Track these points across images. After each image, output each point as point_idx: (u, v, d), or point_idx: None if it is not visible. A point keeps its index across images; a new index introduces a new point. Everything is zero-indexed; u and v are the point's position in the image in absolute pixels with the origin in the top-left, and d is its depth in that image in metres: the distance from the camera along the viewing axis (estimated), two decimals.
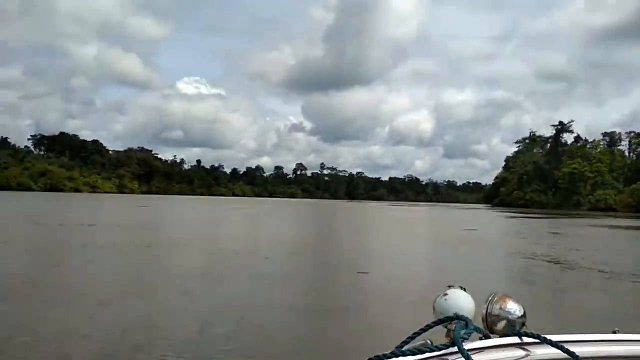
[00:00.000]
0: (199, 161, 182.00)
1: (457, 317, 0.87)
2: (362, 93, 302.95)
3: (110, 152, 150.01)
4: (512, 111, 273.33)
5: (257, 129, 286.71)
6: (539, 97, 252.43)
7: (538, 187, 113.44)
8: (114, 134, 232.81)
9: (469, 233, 27.59)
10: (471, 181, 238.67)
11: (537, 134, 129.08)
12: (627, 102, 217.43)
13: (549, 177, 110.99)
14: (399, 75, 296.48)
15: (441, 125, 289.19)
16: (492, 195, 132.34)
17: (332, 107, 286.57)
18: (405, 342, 0.83)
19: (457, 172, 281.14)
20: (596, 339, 0.84)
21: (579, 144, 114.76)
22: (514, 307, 0.91)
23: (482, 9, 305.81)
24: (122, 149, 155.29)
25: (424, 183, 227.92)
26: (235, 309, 8.13)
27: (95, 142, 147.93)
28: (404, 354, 0.76)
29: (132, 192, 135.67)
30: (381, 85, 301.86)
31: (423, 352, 0.77)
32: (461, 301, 0.92)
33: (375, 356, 0.73)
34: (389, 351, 0.77)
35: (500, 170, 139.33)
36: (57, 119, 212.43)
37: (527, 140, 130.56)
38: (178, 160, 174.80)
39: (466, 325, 0.84)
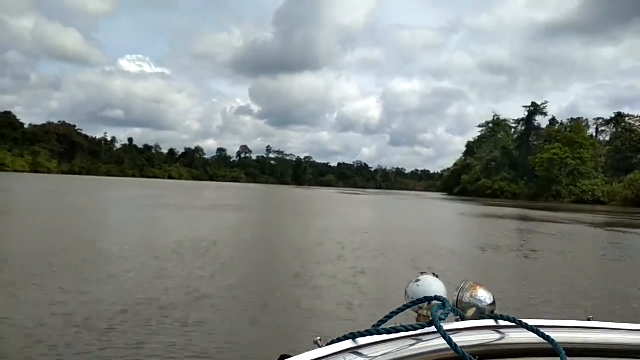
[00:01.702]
0: (130, 140, 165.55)
1: (435, 298, 0.87)
2: (311, 78, 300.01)
3: (25, 126, 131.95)
4: (457, 101, 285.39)
5: (203, 110, 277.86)
6: (482, 88, 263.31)
7: (508, 175, 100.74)
8: (48, 112, 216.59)
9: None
10: (419, 169, 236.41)
11: (502, 117, 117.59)
12: (565, 95, 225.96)
13: (521, 165, 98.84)
14: (348, 62, 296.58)
15: (389, 113, 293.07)
16: (452, 184, 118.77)
17: (281, 91, 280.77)
18: (382, 322, 0.83)
19: (403, 159, 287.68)
20: (571, 325, 0.85)
21: (556, 127, 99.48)
22: (484, 295, 0.92)
23: (430, 1, 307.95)
24: (39, 123, 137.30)
25: (373, 170, 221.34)
26: None
27: (7, 114, 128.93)
28: (379, 332, 0.76)
29: (49, 171, 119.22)
30: (330, 72, 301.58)
31: (399, 332, 0.77)
32: (433, 287, 0.93)
33: (350, 333, 0.73)
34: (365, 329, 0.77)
35: (459, 157, 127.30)
36: None
37: (490, 125, 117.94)
38: (109, 139, 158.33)
39: (443, 306, 0.85)
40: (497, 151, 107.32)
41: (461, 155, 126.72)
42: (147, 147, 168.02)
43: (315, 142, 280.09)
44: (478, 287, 0.93)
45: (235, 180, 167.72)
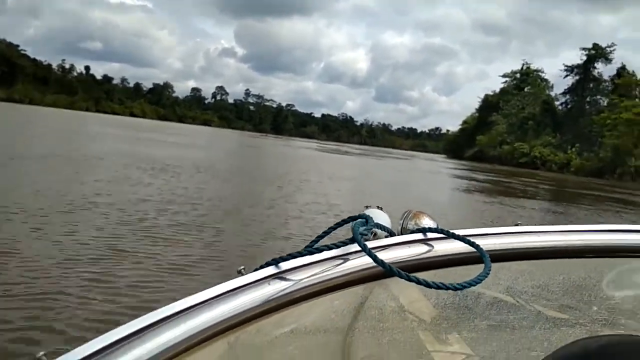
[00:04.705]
0: (87, 67, 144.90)
1: (359, 217, 0.86)
2: (300, 24, 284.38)
3: None
4: (447, 60, 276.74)
5: (185, 50, 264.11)
6: (474, 48, 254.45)
7: (552, 140, 73.10)
8: (23, 39, 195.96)
9: None
10: (406, 126, 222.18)
11: (532, 67, 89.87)
12: (556, 62, 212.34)
13: (571, 126, 73.70)
14: (341, 9, 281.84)
15: (377, 66, 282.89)
16: (460, 146, 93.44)
17: (268, 34, 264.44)
18: (309, 246, 0.81)
19: (387, 116, 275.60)
20: (499, 232, 0.86)
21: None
22: (428, 223, 0.92)
23: None
24: None
25: (358, 124, 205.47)
26: None
27: None
28: (302, 254, 0.74)
29: None
30: (321, 18, 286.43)
31: (321, 251, 0.76)
32: (378, 219, 0.92)
33: (272, 259, 0.73)
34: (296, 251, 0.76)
35: (472, 113, 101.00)
36: None
37: (518, 75, 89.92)
38: (67, 66, 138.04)
39: (367, 223, 0.83)
40: (536, 106, 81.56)
41: (474, 111, 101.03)
42: (107, 79, 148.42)
43: (299, 92, 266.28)
44: (421, 215, 0.92)
45: (206, 123, 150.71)
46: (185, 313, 0.60)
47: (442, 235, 0.84)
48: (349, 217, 0.87)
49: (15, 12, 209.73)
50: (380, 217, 0.93)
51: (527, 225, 0.89)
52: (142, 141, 30.62)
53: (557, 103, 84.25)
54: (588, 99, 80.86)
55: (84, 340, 0.53)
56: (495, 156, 78.84)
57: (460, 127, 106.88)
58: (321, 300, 0.76)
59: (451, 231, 0.84)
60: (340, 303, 0.86)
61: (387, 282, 0.85)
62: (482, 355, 1.03)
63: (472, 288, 0.90)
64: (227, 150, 37.63)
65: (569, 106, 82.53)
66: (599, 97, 79.71)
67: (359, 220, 0.85)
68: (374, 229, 0.87)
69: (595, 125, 68.09)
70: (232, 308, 0.64)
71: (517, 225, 0.90)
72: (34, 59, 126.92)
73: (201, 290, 0.64)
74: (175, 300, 0.60)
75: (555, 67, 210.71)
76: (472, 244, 0.81)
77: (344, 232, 0.81)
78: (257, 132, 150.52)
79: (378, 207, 0.96)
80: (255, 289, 0.67)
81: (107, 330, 0.56)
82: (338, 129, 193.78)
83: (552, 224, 0.92)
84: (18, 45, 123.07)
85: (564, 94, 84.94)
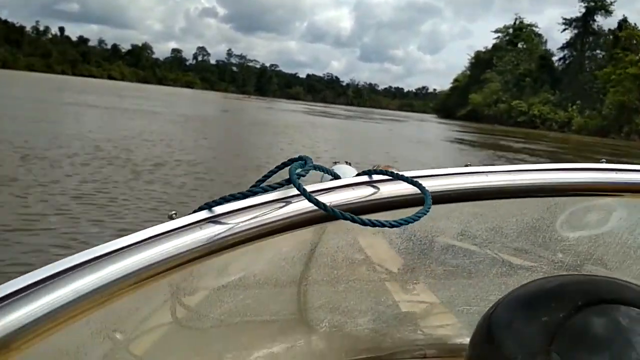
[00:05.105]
0: (62, 29, 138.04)
1: (299, 159, 0.82)
2: None
3: None
4: (431, 18, 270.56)
5: (165, 10, 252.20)
6: (458, 5, 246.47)
7: (550, 97, 68.67)
8: None
9: None
10: (392, 86, 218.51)
11: (525, 21, 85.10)
12: (539, 19, 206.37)
13: (571, 83, 69.51)
14: None
15: (361, 25, 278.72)
16: (452, 105, 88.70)
17: None
18: (254, 186, 0.77)
19: (372, 76, 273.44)
20: (448, 172, 0.84)
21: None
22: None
23: None
24: None
25: (344, 84, 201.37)
26: None
27: None
28: (236, 198, 0.71)
29: None
30: None
31: (256, 194, 0.72)
32: (345, 174, 0.90)
33: (205, 203, 0.69)
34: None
35: (462, 70, 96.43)
36: None
37: (510, 30, 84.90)
38: (41, 28, 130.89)
39: (305, 164, 0.80)
40: (532, 62, 76.38)
41: (464, 68, 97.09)
42: (83, 40, 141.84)
43: (282, 52, 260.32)
44: (389, 169, 0.88)
45: (189, 85, 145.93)
46: (112, 255, 0.58)
47: (388, 177, 0.80)
48: (289, 160, 0.82)
49: None
50: (348, 171, 0.87)
51: (477, 166, 0.87)
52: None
53: (554, 59, 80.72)
54: (588, 54, 77.01)
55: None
56: (491, 115, 75.63)
57: (451, 85, 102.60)
58: (267, 247, 0.73)
59: (397, 172, 0.81)
60: (289, 250, 0.84)
61: (336, 228, 0.83)
62: (441, 300, 1.03)
63: (426, 232, 0.91)
64: (194, 118, 30.39)
65: (567, 62, 78.69)
66: (598, 52, 76.18)
67: (298, 162, 0.81)
68: (322, 174, 0.85)
69: (597, 81, 64.98)
70: (162, 251, 0.62)
71: (466, 166, 0.87)
72: (5, 21, 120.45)
73: (128, 234, 0.61)
74: (105, 242, 0.58)
75: (541, 23, 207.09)
76: (417, 185, 0.78)
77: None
78: (241, 93, 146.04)
79: (346, 163, 0.91)
80: (186, 233, 0.64)
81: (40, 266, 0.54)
82: (323, 90, 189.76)
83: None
84: None
85: (561, 48, 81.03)
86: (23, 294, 0.52)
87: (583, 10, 78.21)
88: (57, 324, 0.53)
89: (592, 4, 77.03)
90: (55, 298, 0.53)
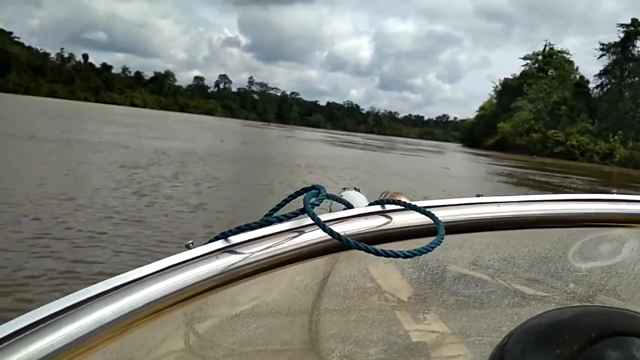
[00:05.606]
0: (85, 56, 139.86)
1: (313, 187, 0.83)
2: (303, 11, 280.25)
3: None
4: (450, 47, 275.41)
5: (189, 39, 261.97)
6: (477, 35, 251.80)
7: (589, 127, 64.83)
8: (29, 30, 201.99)
9: None
10: (413, 114, 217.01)
11: (556, 48, 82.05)
12: (562, 47, 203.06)
13: (609, 112, 65.83)
14: None
15: (380, 54, 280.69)
16: (479, 135, 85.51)
17: (271, 23, 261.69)
18: (267, 215, 0.79)
19: (391, 104, 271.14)
20: (460, 202, 0.84)
21: None
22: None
23: None
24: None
25: (364, 112, 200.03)
26: None
27: None
28: (252, 228, 0.72)
29: None
30: (324, 6, 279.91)
31: (271, 224, 0.73)
32: (355, 201, 0.91)
33: (221, 233, 0.71)
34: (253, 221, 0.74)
35: (486, 99, 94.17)
36: None
37: (540, 57, 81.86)
38: (66, 55, 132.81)
39: (319, 193, 0.82)
40: (564, 90, 72.97)
41: (490, 95, 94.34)
42: (106, 67, 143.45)
43: (302, 80, 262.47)
44: (399, 196, 0.90)
45: (210, 113, 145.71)
46: (131, 286, 0.59)
47: (400, 207, 0.81)
48: (302, 189, 0.83)
49: (19, 1, 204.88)
50: (357, 199, 0.91)
51: (489, 196, 0.86)
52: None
53: (589, 86, 76.59)
54: (627, 81, 73.19)
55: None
56: (522, 145, 71.76)
57: (477, 113, 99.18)
58: (281, 276, 0.74)
59: (410, 202, 0.81)
60: (302, 279, 0.85)
61: (349, 257, 0.84)
62: (452, 330, 1.03)
63: (438, 262, 0.92)
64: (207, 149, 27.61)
65: (604, 89, 74.79)
66: (638, 79, 72.11)
67: (312, 191, 0.81)
68: (331, 202, 0.86)
69: None
70: (179, 282, 0.62)
71: (478, 196, 0.87)
72: (29, 47, 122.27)
73: (146, 264, 0.62)
74: (120, 273, 0.59)
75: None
76: (430, 215, 0.78)
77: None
78: (261, 121, 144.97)
79: (355, 189, 0.93)
80: (203, 263, 0.65)
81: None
82: (344, 118, 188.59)
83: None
84: (11, 33, 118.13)
85: (598, 75, 76.65)
86: (43, 324, 0.52)
87: (622, 35, 74.95)
88: (77, 354, 0.53)
89: (632, 28, 73.74)
90: (75, 329, 0.53)
